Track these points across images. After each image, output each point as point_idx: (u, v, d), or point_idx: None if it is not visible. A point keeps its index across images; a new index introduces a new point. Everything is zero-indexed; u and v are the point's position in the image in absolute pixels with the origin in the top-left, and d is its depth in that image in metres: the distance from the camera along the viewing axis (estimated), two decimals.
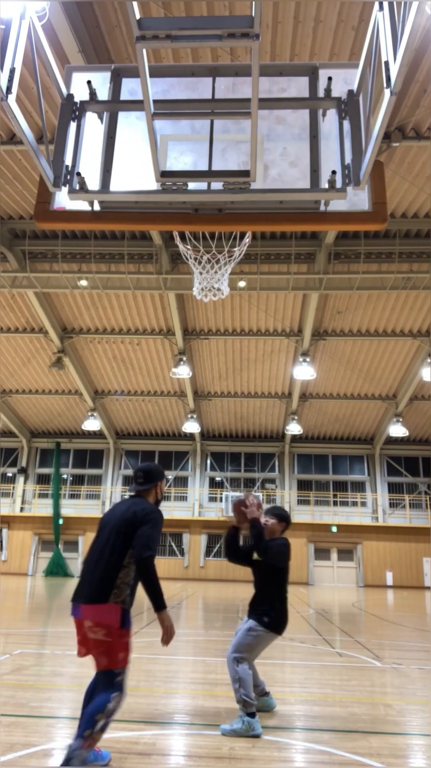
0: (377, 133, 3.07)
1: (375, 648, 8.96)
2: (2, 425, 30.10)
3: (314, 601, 18.03)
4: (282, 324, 21.79)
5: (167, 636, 3.42)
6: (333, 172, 3.24)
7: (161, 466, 4.03)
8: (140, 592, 3.53)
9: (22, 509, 30.22)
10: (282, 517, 5.06)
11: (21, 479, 30.81)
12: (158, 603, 3.38)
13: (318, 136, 3.47)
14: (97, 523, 3.73)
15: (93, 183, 3.43)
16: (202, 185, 3.43)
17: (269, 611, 4.72)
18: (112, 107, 3.59)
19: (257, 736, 4.28)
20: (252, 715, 4.38)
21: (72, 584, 22.78)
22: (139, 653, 7.81)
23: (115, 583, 3.42)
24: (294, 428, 27.50)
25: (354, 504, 29.86)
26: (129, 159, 3.49)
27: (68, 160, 3.48)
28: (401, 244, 17.33)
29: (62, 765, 3.19)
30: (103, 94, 3.63)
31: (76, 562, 28.47)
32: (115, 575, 3.43)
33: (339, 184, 3.30)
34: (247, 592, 4.91)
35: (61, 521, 28.55)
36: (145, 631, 9.87)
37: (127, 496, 3.91)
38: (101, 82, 3.64)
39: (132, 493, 3.85)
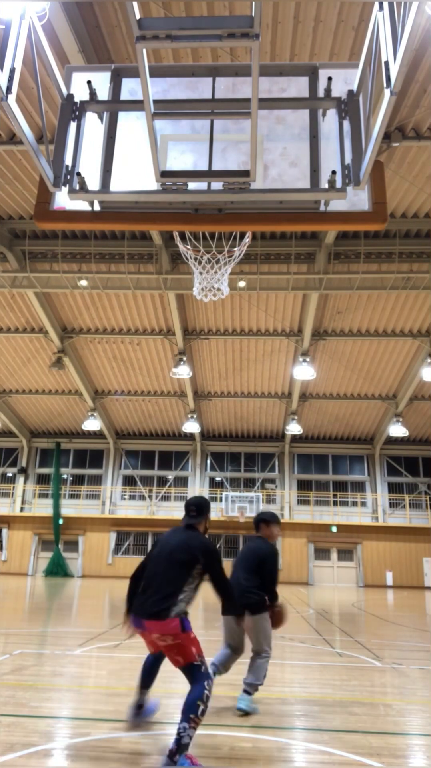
0: (377, 133, 3.07)
1: (375, 648, 8.96)
2: (2, 425, 30.09)
3: (314, 601, 18.03)
4: (282, 324, 21.79)
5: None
6: (333, 172, 3.24)
7: (208, 500, 4.54)
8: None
9: (22, 509, 30.21)
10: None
11: (21, 479, 30.81)
12: (235, 613, 4.68)
13: (318, 136, 3.47)
14: (156, 544, 4.31)
15: (93, 183, 3.43)
16: (202, 185, 3.42)
17: None
18: (112, 107, 3.59)
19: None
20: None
21: (72, 584, 22.79)
22: (139, 653, 7.82)
23: (176, 602, 3.94)
24: (294, 428, 27.49)
25: (354, 504, 29.86)
26: (129, 159, 3.49)
27: (68, 160, 3.48)
28: (401, 244, 17.33)
29: (174, 744, 3.69)
30: (103, 94, 3.63)
31: (76, 562, 28.48)
32: (177, 597, 3.96)
33: (339, 184, 3.30)
34: None
35: (61, 521, 28.55)
36: None
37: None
38: (101, 82, 3.64)
39: (185, 524, 4.35)
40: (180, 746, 3.68)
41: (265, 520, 5.63)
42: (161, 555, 4.12)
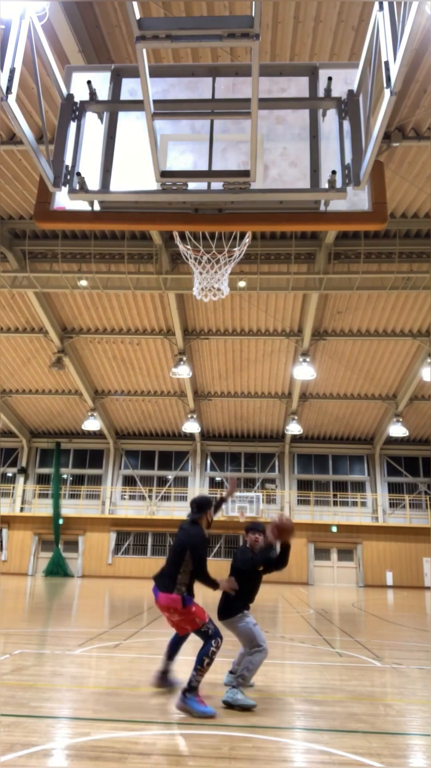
0: (377, 133, 3.07)
1: (375, 648, 8.96)
2: (2, 425, 30.08)
3: (314, 601, 18.03)
4: (282, 324, 21.79)
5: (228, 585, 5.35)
6: (333, 172, 3.24)
7: (208, 498, 5.63)
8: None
9: (22, 509, 30.20)
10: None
11: (21, 479, 30.80)
12: (213, 588, 5.17)
13: (318, 136, 3.47)
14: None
15: (93, 183, 3.43)
16: (202, 185, 3.42)
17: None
18: (112, 107, 3.59)
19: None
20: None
21: (72, 584, 22.81)
22: (139, 653, 7.82)
23: (177, 580, 5.09)
24: (294, 428, 27.48)
25: (354, 504, 29.86)
26: (129, 159, 3.49)
27: (68, 160, 3.48)
28: (401, 244, 17.32)
29: (186, 686, 4.89)
30: (103, 94, 3.62)
31: (76, 562, 28.46)
32: (176, 577, 5.10)
33: (339, 184, 3.30)
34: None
35: (61, 521, 28.54)
36: (144, 631, 9.87)
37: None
38: (101, 82, 3.63)
39: (189, 519, 5.46)
40: (190, 688, 4.86)
41: (245, 530, 6.09)
42: (174, 544, 5.28)
